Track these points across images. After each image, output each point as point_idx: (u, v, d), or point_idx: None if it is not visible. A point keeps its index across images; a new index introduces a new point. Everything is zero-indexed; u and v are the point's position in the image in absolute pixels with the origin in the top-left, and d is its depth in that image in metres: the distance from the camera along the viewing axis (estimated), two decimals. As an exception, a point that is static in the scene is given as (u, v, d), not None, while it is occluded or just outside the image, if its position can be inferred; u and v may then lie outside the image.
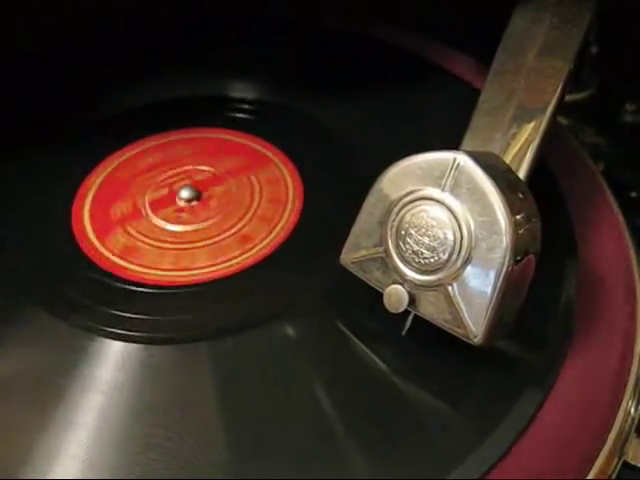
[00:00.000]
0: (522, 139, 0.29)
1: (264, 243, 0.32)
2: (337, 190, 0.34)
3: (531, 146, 0.29)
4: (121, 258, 0.32)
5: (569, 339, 0.28)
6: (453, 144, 0.30)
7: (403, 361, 0.28)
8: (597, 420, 0.27)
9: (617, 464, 0.27)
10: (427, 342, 0.27)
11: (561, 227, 0.33)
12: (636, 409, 0.28)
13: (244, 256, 0.31)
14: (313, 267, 0.31)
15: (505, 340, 0.28)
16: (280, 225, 0.33)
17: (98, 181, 0.35)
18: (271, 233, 0.32)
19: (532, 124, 0.30)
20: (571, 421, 0.27)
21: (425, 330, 0.27)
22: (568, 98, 0.42)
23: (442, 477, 0.25)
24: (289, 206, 0.34)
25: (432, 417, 0.26)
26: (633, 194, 0.42)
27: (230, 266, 0.31)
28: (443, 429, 0.26)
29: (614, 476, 0.27)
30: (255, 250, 0.32)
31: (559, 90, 0.31)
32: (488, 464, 0.25)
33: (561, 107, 0.32)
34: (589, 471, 0.26)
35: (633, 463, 0.28)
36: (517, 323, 0.27)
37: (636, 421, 0.28)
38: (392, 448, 0.25)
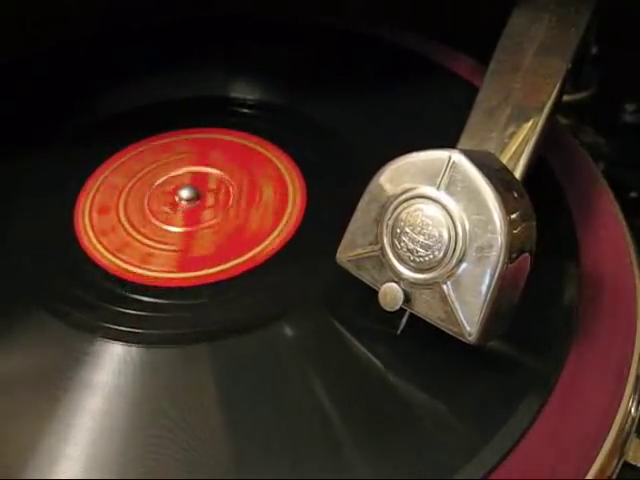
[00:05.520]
0: (519, 138, 0.29)
1: (265, 244, 0.32)
2: (338, 190, 0.34)
3: (528, 145, 0.29)
4: (122, 259, 0.32)
5: (570, 339, 0.28)
6: (453, 144, 0.30)
7: (404, 362, 0.28)
8: (597, 420, 0.27)
9: (617, 464, 0.27)
10: (429, 342, 0.27)
11: (561, 227, 0.33)
12: (636, 409, 0.28)
13: (245, 257, 0.31)
14: (314, 268, 0.31)
15: (507, 340, 0.28)
16: (281, 225, 0.33)
17: (99, 181, 0.35)
18: (272, 233, 0.32)
19: (529, 123, 0.30)
20: (571, 421, 0.27)
21: (427, 329, 0.27)
22: (568, 98, 0.42)
23: (444, 477, 0.25)
24: (290, 206, 0.34)
25: (434, 417, 0.26)
26: (633, 194, 0.42)
27: (231, 267, 0.31)
28: (445, 429, 0.26)
29: (614, 476, 0.27)
30: (256, 250, 0.32)
31: (556, 89, 0.31)
32: (490, 464, 0.25)
33: (559, 106, 0.32)
34: (589, 471, 0.26)
35: (633, 463, 0.28)
36: (517, 323, 0.27)
37: (636, 421, 0.28)
38: (393, 449, 0.25)
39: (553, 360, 0.28)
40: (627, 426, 0.27)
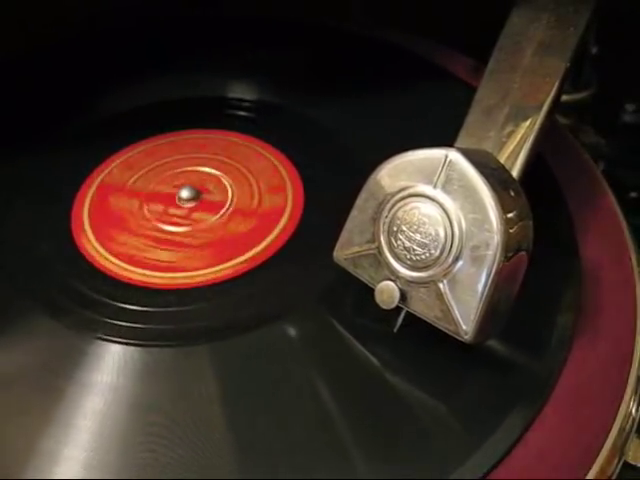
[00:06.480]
0: (517, 138, 0.29)
1: (264, 244, 0.32)
2: (337, 190, 0.34)
3: (525, 144, 0.29)
4: (120, 259, 0.32)
5: (569, 339, 0.28)
6: (451, 143, 0.30)
7: (401, 361, 0.28)
8: (597, 420, 0.27)
9: (617, 464, 0.27)
10: (426, 341, 0.27)
11: (561, 227, 0.33)
12: (636, 409, 0.28)
13: (244, 257, 0.31)
14: (313, 268, 0.31)
15: (506, 340, 0.28)
16: (280, 226, 0.33)
17: (98, 182, 0.35)
18: (271, 234, 0.32)
19: (527, 123, 0.30)
20: (571, 421, 0.27)
21: (424, 328, 0.27)
22: (568, 98, 0.42)
23: (443, 477, 0.25)
24: (289, 207, 0.34)
25: (431, 417, 0.26)
26: (633, 194, 0.42)
27: (230, 267, 0.31)
28: (444, 429, 0.26)
29: (614, 476, 0.27)
30: (255, 251, 0.32)
31: (555, 89, 0.31)
32: (489, 464, 0.25)
33: (557, 106, 0.32)
34: (589, 471, 0.26)
35: (633, 463, 0.27)
36: (516, 323, 0.27)
37: (636, 421, 0.28)
38: (390, 448, 0.25)
39: (552, 360, 0.28)
40: (627, 426, 0.27)
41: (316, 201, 0.34)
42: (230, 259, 0.31)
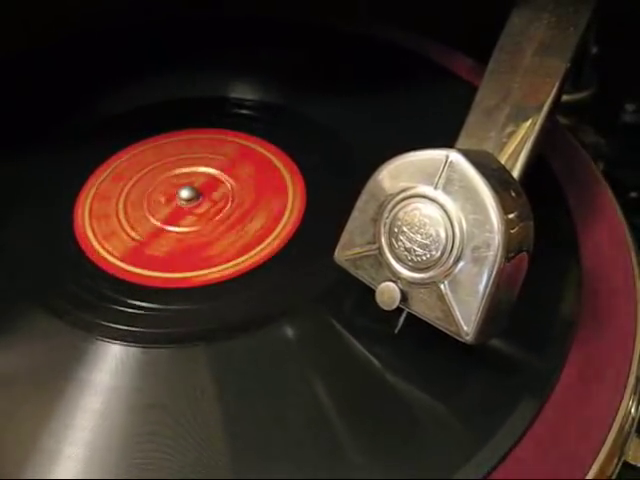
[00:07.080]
0: (517, 138, 0.29)
1: (265, 244, 0.32)
2: (338, 191, 0.34)
3: (526, 145, 0.29)
4: (121, 259, 0.32)
5: (569, 339, 0.28)
6: (452, 143, 0.30)
7: (403, 361, 0.28)
8: (597, 420, 0.27)
9: (617, 464, 0.27)
10: (428, 342, 0.27)
11: (561, 227, 0.33)
12: (636, 409, 0.28)
13: (244, 257, 0.32)
14: (314, 268, 0.31)
15: (507, 340, 0.28)
16: (281, 226, 0.33)
17: (99, 182, 0.35)
18: (272, 234, 0.32)
19: (527, 123, 0.30)
20: (571, 421, 0.27)
21: (426, 330, 0.27)
22: (568, 98, 0.42)
23: (445, 477, 0.25)
24: (290, 207, 0.34)
25: (433, 417, 0.26)
26: (633, 194, 0.42)
27: (230, 267, 0.31)
28: (446, 429, 0.26)
29: (614, 476, 0.27)
30: (256, 251, 0.32)
31: (555, 89, 0.31)
32: (490, 465, 0.25)
33: (558, 106, 0.32)
34: (589, 471, 0.26)
35: (633, 463, 0.28)
36: (517, 323, 0.27)
37: (636, 421, 0.28)
38: (392, 449, 0.25)
39: (552, 360, 0.28)
40: (627, 426, 0.27)
41: (317, 201, 0.34)
42: (231, 259, 0.31)
